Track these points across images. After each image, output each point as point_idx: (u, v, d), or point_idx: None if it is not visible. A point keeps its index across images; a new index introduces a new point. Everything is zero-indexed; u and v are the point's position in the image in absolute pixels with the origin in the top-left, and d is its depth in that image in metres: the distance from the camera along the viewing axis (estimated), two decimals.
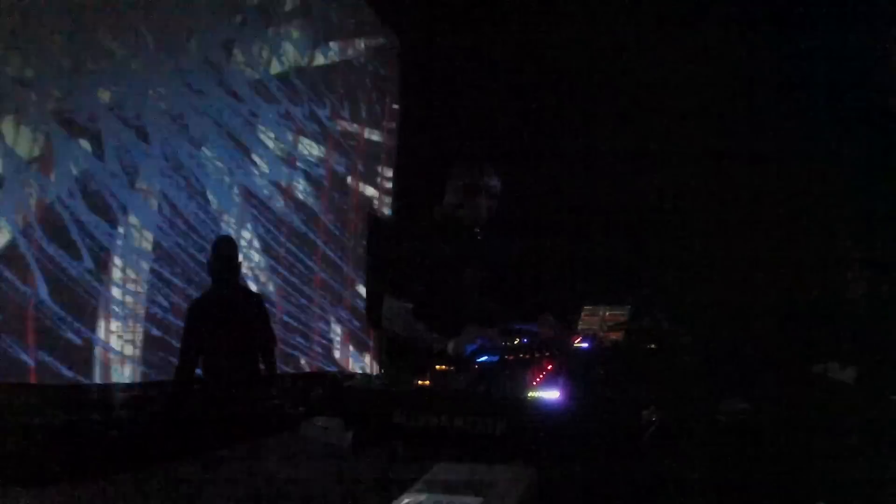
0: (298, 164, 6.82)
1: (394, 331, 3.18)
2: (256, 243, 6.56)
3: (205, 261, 5.18)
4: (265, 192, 6.63)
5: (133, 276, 5.96)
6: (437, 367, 2.49)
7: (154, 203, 6.11)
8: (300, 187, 6.81)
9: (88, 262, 5.72)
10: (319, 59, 6.93)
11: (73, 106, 5.83)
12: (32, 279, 5.53)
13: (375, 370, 6.71)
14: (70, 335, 5.60)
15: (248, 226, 6.54)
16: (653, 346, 2.72)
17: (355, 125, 7.07)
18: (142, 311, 5.96)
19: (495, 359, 2.52)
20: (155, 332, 5.93)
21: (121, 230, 5.95)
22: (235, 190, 6.53)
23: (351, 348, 6.89)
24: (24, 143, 5.66)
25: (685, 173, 5.30)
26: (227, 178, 6.48)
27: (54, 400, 5.11)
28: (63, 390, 5.44)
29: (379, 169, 7.12)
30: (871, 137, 4.90)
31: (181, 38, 6.30)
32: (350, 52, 7.06)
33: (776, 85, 5.18)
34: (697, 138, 5.20)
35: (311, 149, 6.89)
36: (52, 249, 5.60)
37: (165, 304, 5.95)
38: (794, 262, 4.89)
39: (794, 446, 2.29)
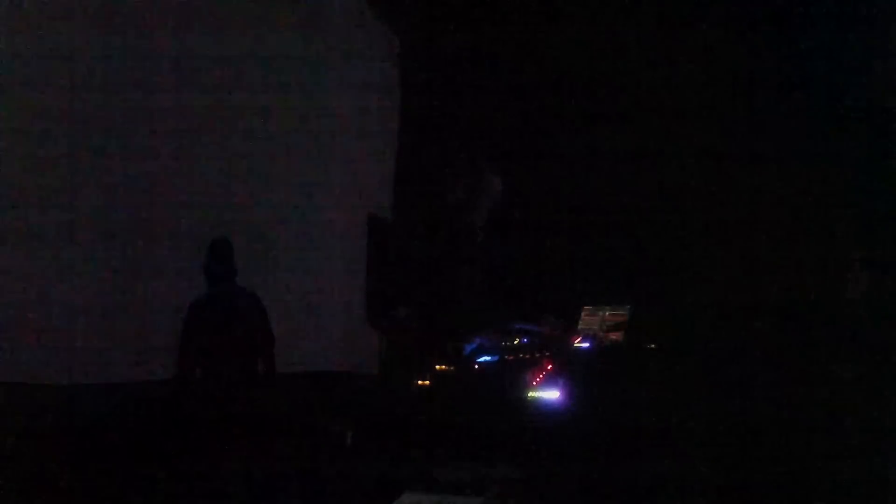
0: None
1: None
2: None
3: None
4: None
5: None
6: (438, 366, 2.49)
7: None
8: None
9: None
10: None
11: None
12: None
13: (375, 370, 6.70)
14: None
15: None
16: (653, 346, 2.72)
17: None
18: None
19: (495, 359, 2.53)
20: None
21: None
22: None
23: (351, 348, 6.88)
24: None
25: (685, 173, 5.30)
26: None
27: (54, 400, 5.11)
28: (63, 390, 5.44)
29: (379, 169, 7.10)
30: (871, 137, 4.91)
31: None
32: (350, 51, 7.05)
33: (776, 85, 5.19)
34: (697, 138, 5.20)
35: None
36: None
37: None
38: (795, 262, 4.90)
39: (794, 446, 2.30)
